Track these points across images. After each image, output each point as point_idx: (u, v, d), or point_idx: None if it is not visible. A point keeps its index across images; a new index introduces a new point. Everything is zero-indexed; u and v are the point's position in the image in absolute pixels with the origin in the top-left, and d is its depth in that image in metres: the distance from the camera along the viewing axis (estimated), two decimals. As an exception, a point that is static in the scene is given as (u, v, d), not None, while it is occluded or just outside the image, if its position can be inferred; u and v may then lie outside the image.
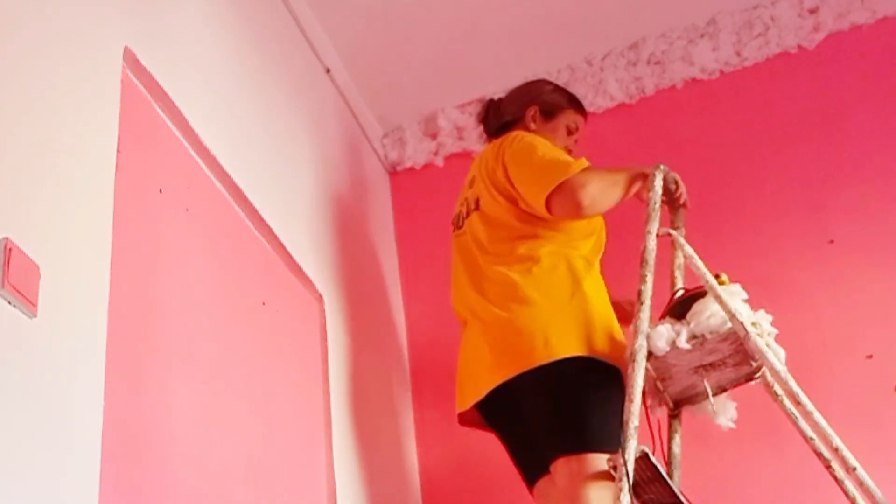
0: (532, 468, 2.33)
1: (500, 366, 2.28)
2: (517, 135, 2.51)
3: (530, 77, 3.39)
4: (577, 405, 2.20)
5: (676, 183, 2.49)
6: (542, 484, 2.30)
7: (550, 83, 2.76)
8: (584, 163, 2.35)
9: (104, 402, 1.54)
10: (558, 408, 2.22)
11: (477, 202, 2.52)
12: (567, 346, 2.23)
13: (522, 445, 2.36)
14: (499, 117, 2.69)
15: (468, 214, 2.54)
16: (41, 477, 1.38)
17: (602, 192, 2.31)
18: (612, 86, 3.35)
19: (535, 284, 2.32)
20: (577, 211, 2.31)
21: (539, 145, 2.42)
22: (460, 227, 2.58)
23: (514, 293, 2.32)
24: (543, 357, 2.22)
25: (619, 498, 1.93)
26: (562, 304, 2.29)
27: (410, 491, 2.97)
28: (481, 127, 2.78)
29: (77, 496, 1.44)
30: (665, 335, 2.18)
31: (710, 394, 2.26)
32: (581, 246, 2.41)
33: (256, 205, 2.31)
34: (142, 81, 1.95)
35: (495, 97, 2.78)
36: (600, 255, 2.47)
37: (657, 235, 2.29)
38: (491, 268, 2.40)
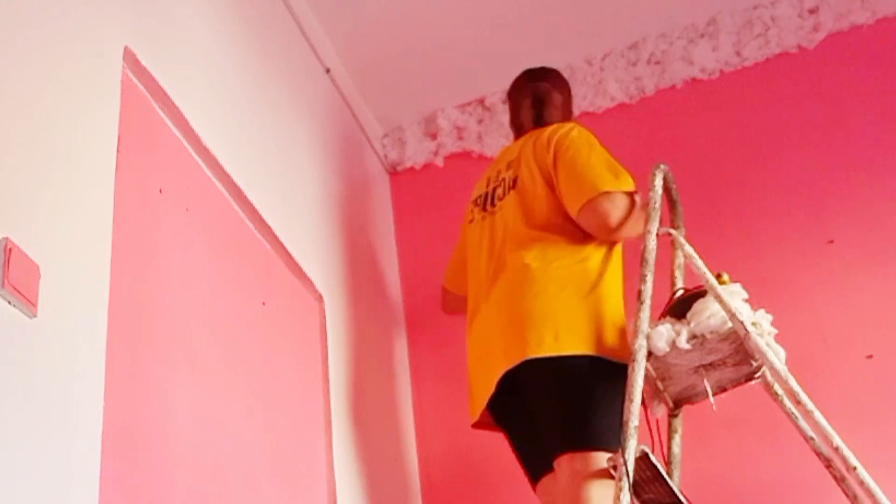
0: (536, 465, 2.33)
1: (508, 353, 2.27)
2: (574, 126, 2.52)
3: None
4: (584, 403, 2.20)
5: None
6: (546, 481, 2.30)
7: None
8: (631, 184, 2.35)
9: (104, 401, 1.54)
10: (565, 404, 2.22)
11: (514, 182, 2.51)
12: (577, 343, 2.22)
13: (527, 441, 2.36)
14: (551, 110, 2.67)
15: (503, 196, 2.53)
16: (41, 477, 1.38)
17: (634, 221, 2.33)
18: (612, 86, 3.35)
19: (554, 276, 2.31)
20: (604, 235, 2.34)
21: (596, 145, 2.44)
22: (486, 209, 2.57)
23: (531, 282, 2.31)
24: (552, 349, 2.21)
25: (619, 497, 1.93)
26: (577, 300, 2.28)
27: (410, 491, 2.97)
28: (528, 107, 2.70)
29: (77, 496, 1.44)
30: (665, 335, 2.18)
31: (710, 393, 2.26)
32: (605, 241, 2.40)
33: (256, 205, 2.31)
34: (142, 81, 1.95)
35: (540, 84, 2.74)
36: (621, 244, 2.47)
37: (657, 235, 2.29)
38: (514, 252, 2.39)
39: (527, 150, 2.53)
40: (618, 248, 2.43)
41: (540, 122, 2.64)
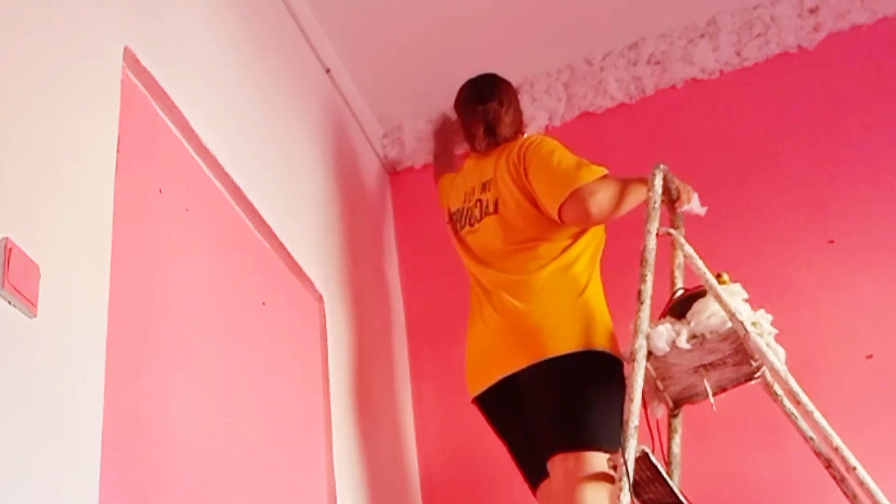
0: (535, 470, 2.34)
1: (514, 356, 2.34)
2: (537, 138, 2.59)
3: (530, 77, 3.42)
4: (578, 402, 2.22)
5: (678, 191, 2.52)
6: (545, 486, 2.31)
7: None
8: (600, 171, 2.39)
9: (104, 401, 1.54)
10: (560, 404, 2.24)
11: (496, 204, 2.55)
12: (571, 343, 2.28)
13: (525, 446, 2.38)
14: (503, 129, 2.69)
15: (481, 217, 2.58)
16: (41, 477, 1.38)
17: (611, 200, 2.36)
18: (612, 86, 3.35)
19: (546, 283, 2.38)
20: (585, 218, 2.37)
21: (556, 150, 2.48)
22: (463, 228, 2.64)
23: (529, 289, 2.38)
24: (553, 350, 2.27)
25: (619, 498, 1.93)
26: (570, 303, 2.35)
27: (410, 491, 2.97)
28: (482, 135, 2.72)
29: (77, 496, 1.44)
30: (665, 335, 2.19)
31: (710, 393, 2.26)
32: (589, 245, 2.47)
33: (256, 205, 2.31)
34: (142, 81, 1.95)
35: (489, 105, 2.74)
36: (601, 251, 2.53)
37: (657, 235, 2.29)
38: (507, 264, 2.46)
39: (501, 169, 2.58)
40: (598, 252, 2.50)
41: (496, 144, 2.68)
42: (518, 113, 2.76)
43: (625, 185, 2.39)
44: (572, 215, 2.36)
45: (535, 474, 2.34)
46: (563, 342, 2.28)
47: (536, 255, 2.42)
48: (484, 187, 2.62)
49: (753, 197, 3.04)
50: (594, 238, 2.48)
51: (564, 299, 2.35)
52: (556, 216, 2.38)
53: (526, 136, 2.68)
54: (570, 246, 2.43)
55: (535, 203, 2.46)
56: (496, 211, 2.54)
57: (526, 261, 2.43)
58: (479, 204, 2.61)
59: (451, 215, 2.74)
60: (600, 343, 2.28)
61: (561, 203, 2.36)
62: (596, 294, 2.40)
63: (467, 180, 2.71)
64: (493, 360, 2.40)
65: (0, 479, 1.29)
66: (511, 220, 2.50)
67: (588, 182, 2.35)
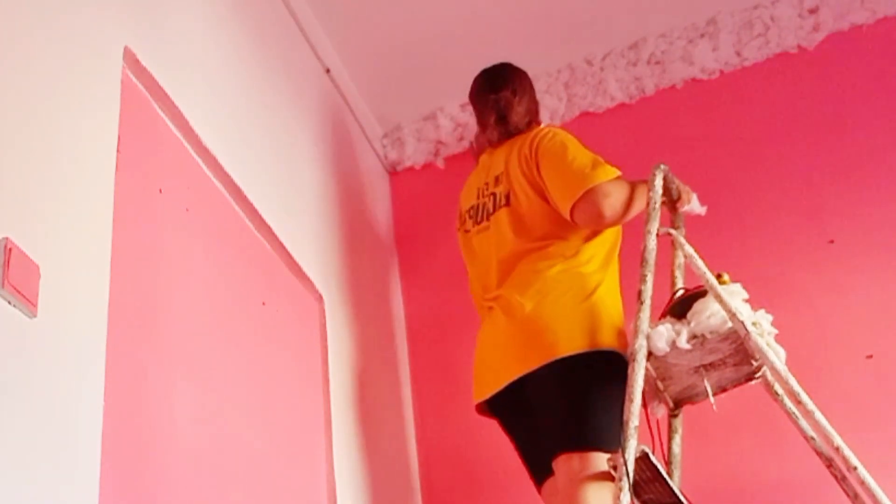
0: (540, 468, 2.33)
1: (524, 357, 2.31)
2: (549, 131, 2.54)
3: (530, 77, 3.42)
4: (583, 402, 2.21)
5: (679, 191, 2.51)
6: (549, 484, 2.30)
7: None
8: (615, 172, 2.36)
9: (104, 401, 1.54)
10: (563, 405, 2.23)
11: (507, 198, 2.52)
12: (576, 344, 2.25)
13: (531, 444, 2.37)
14: (515, 118, 2.65)
15: (494, 210, 2.55)
16: (41, 477, 1.38)
17: (624, 203, 2.34)
18: (612, 86, 3.35)
19: (556, 283, 2.35)
20: (597, 220, 2.35)
21: (570, 145, 2.45)
22: (479, 223, 2.59)
23: (538, 290, 2.35)
24: (561, 351, 2.25)
25: (619, 498, 1.94)
26: (577, 304, 2.31)
27: (410, 490, 2.97)
28: (493, 124, 2.68)
29: (77, 496, 1.44)
30: (665, 335, 2.19)
31: (710, 393, 2.26)
32: (604, 243, 2.44)
33: (256, 205, 2.31)
34: (142, 81, 1.95)
35: (501, 94, 2.71)
36: (618, 249, 2.50)
37: (657, 235, 2.29)
38: (518, 263, 2.43)
39: (512, 163, 2.54)
40: (615, 251, 2.47)
41: (508, 135, 2.64)
42: (533, 102, 2.71)
43: (633, 188, 2.38)
44: (584, 216, 2.34)
45: (540, 472, 2.33)
46: (569, 343, 2.25)
47: (547, 255, 2.39)
48: (497, 180, 2.58)
49: (754, 197, 3.04)
50: (609, 238, 2.45)
51: (572, 300, 2.31)
52: (567, 215, 2.36)
53: (541, 126, 2.63)
54: (582, 246, 2.40)
55: (546, 198, 2.43)
56: (508, 203, 2.51)
57: (536, 260, 2.39)
58: (492, 197, 2.57)
59: (461, 215, 2.70)
60: (607, 342, 2.25)
61: (573, 202, 2.33)
62: (606, 295, 2.36)
63: (481, 176, 2.67)
64: (501, 363, 2.36)
65: (0, 479, 1.29)
66: (523, 214, 2.47)
67: (603, 182, 2.32)
